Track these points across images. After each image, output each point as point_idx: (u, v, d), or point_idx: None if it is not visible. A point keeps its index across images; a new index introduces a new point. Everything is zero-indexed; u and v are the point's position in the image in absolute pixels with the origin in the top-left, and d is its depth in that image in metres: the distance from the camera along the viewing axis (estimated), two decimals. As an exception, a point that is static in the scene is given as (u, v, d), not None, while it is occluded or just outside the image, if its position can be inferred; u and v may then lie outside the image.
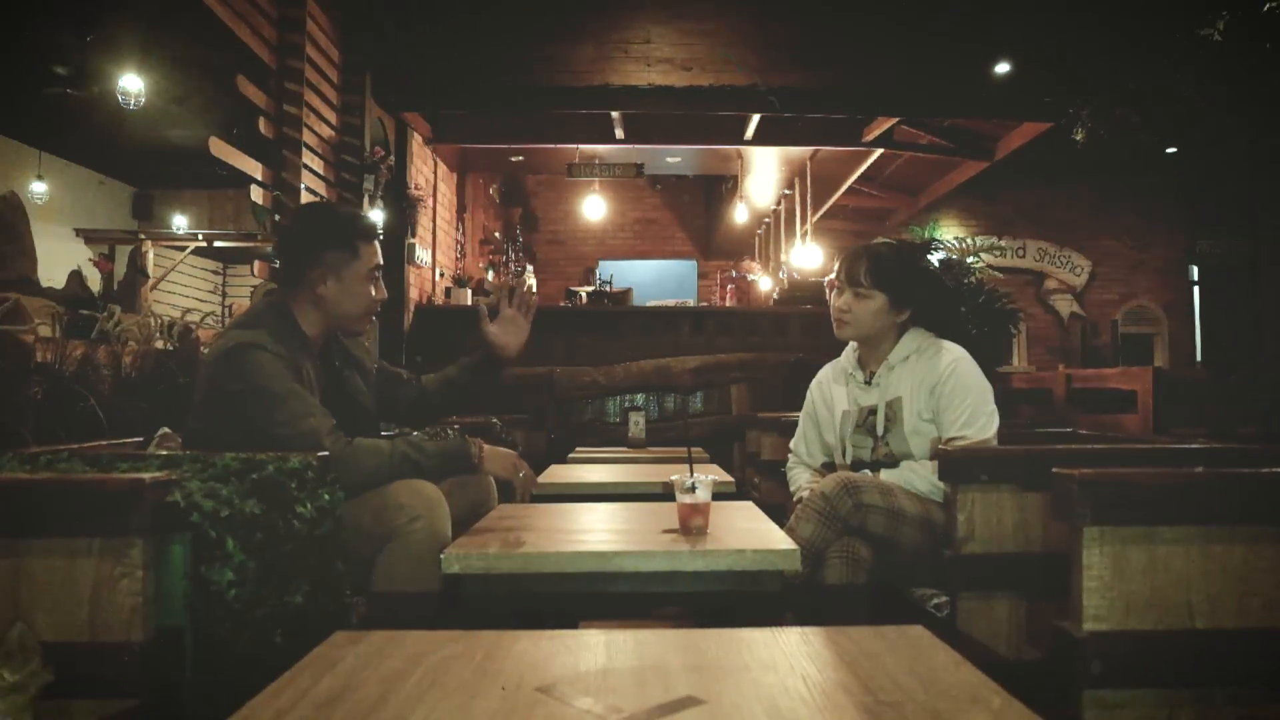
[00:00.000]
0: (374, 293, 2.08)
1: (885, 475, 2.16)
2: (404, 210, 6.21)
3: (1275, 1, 5.10)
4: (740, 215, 9.34)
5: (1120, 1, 5.75)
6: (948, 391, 2.15)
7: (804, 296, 6.66)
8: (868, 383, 2.29)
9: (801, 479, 2.43)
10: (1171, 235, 10.48)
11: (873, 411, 2.25)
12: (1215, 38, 5.27)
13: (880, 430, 2.23)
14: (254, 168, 4.58)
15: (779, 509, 2.45)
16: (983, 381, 2.18)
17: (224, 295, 10.07)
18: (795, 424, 2.54)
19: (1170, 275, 10.52)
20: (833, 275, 2.38)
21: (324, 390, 2.01)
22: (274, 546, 1.37)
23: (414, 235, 6.39)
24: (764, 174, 8.75)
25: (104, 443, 1.95)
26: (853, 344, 2.38)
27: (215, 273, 10.24)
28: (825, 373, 2.48)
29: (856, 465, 2.26)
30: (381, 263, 2.12)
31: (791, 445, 2.53)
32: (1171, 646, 1.25)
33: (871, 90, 6.34)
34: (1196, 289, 10.60)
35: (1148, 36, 5.69)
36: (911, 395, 2.20)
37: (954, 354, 2.21)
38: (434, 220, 7.26)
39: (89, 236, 8.34)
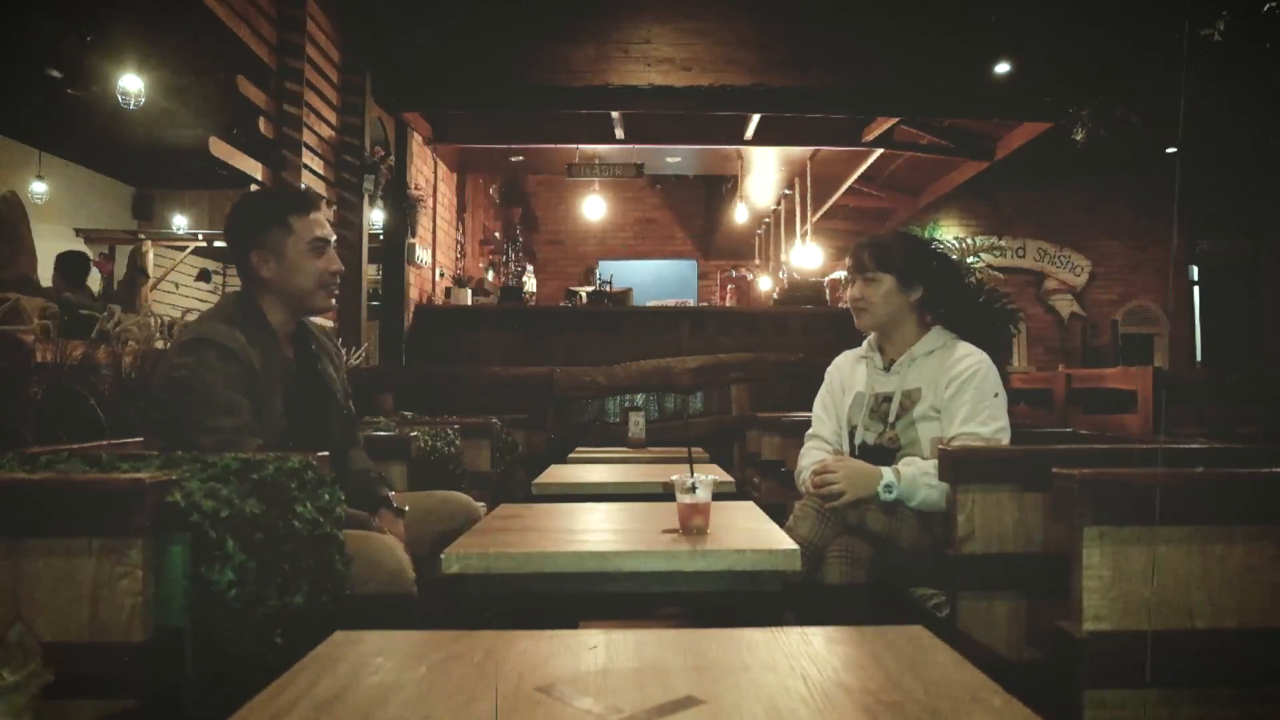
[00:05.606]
0: (322, 264, 1.94)
1: (903, 466, 2.08)
2: (404, 210, 6.21)
3: (1275, 1, 5.09)
4: (740, 215, 9.33)
5: (1120, 1, 5.74)
6: (963, 385, 2.12)
7: (804, 296, 6.66)
8: (886, 370, 2.29)
9: (809, 459, 2.34)
10: (1172, 235, 10.47)
11: (887, 398, 2.24)
12: (1215, 38, 5.26)
13: (892, 417, 2.22)
14: (254, 168, 4.58)
15: (779, 509, 2.44)
16: (1001, 390, 2.15)
17: (224, 295, 10.06)
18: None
19: (1170, 275, 10.52)
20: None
21: (295, 377, 1.96)
22: (274, 546, 1.37)
23: (414, 235, 6.39)
24: (764, 174, 8.74)
25: (104, 443, 1.95)
26: (871, 334, 2.38)
27: (215, 273, 10.23)
28: (845, 356, 2.46)
29: (863, 448, 2.25)
30: (326, 234, 1.97)
31: (810, 432, 2.45)
32: (1171, 646, 1.24)
33: (871, 90, 6.34)
34: (1196, 289, 10.59)
35: (1148, 36, 5.67)
36: (930, 389, 2.18)
37: (978, 356, 2.19)
38: (434, 220, 7.26)
39: (89, 236, 8.35)
